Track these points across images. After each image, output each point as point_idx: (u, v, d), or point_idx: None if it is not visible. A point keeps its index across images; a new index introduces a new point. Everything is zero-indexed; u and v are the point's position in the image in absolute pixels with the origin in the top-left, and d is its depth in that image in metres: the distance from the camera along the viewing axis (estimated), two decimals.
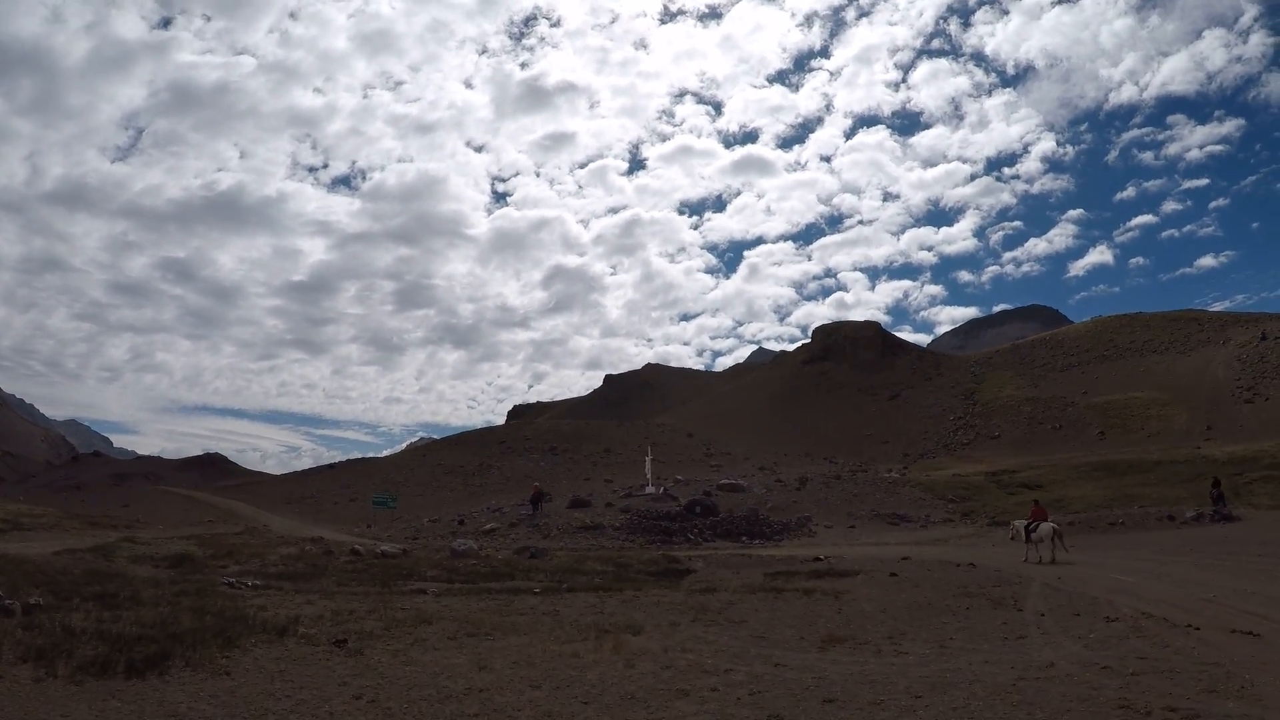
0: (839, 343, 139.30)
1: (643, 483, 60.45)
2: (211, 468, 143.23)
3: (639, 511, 48.90)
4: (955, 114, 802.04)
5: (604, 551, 36.40)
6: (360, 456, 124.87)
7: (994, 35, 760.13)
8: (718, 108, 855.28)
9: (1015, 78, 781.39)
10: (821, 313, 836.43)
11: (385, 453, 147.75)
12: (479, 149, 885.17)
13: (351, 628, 13.76)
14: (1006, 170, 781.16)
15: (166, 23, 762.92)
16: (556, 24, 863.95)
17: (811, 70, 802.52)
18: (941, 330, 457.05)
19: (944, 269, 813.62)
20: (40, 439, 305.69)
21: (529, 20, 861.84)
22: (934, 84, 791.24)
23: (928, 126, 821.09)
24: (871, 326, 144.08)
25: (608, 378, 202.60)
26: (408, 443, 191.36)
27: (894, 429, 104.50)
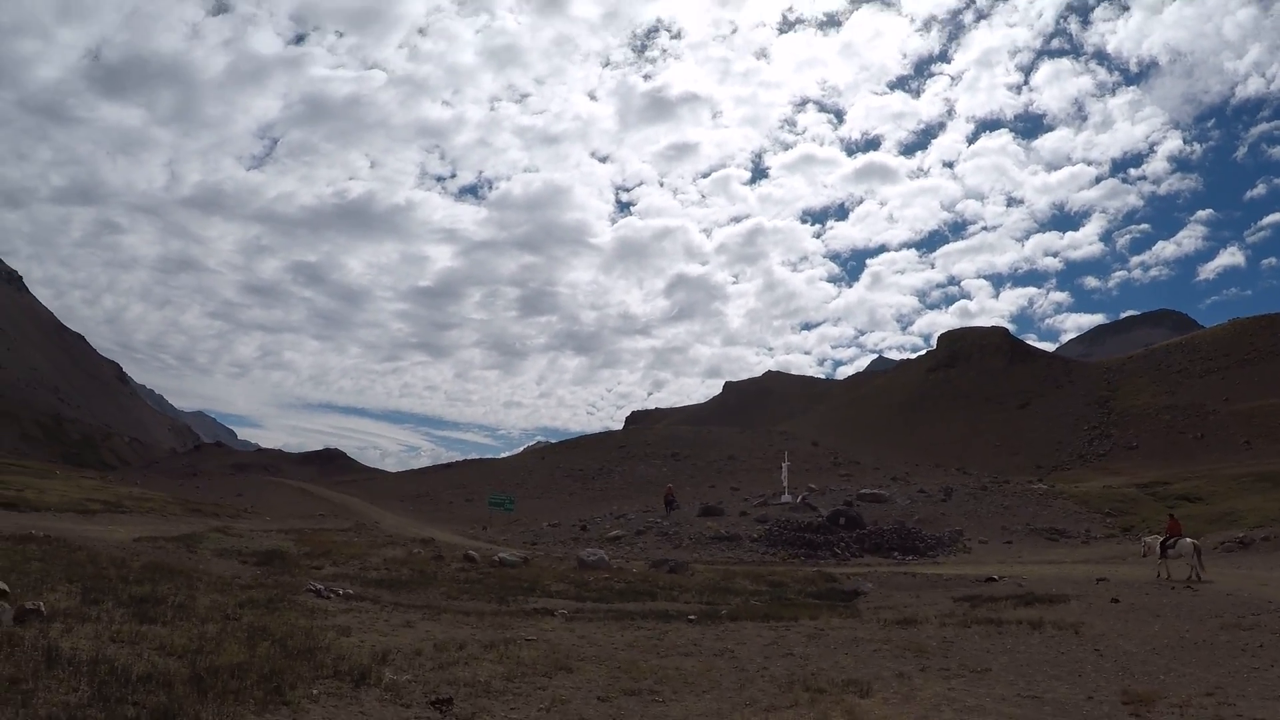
0: (965, 349, 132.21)
1: (777, 491, 55.59)
2: (330, 463, 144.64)
3: (778, 521, 44.40)
4: (1078, 115, 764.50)
5: (747, 566, 32.34)
6: (478, 458, 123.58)
7: (1115, 32, 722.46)
8: (839, 115, 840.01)
9: (1138, 75, 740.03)
10: (944, 321, 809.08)
11: (503, 455, 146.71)
12: (603, 159, 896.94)
13: (459, 675, 9.54)
14: (1133, 171, 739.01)
15: (300, 39, 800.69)
16: (678, 36, 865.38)
17: (932, 75, 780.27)
18: (1067, 338, 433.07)
19: (1070, 275, 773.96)
20: (167, 427, 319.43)
21: (651, 33, 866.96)
22: (1056, 85, 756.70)
23: (1051, 129, 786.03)
24: (999, 333, 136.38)
25: (727, 384, 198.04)
26: (526, 446, 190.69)
27: (1025, 439, 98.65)
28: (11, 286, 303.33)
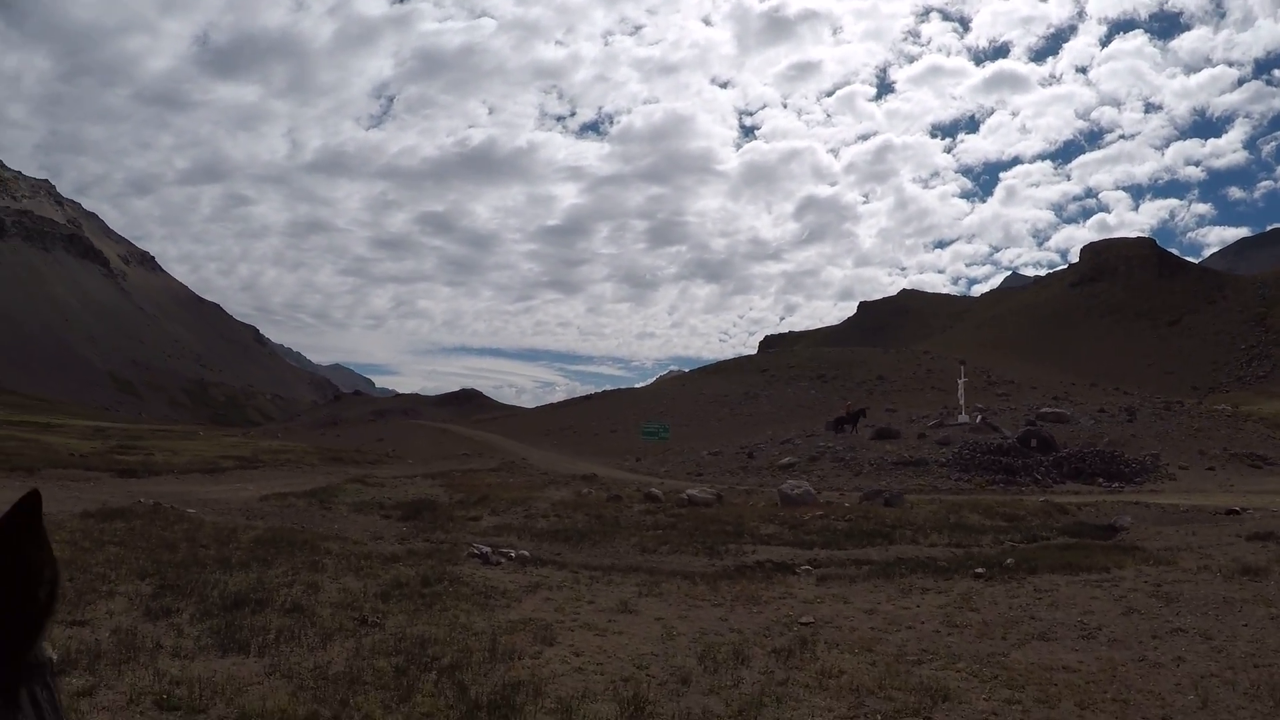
0: (1110, 262, 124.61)
1: (950, 411, 49.94)
2: (467, 403, 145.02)
3: (965, 444, 38.98)
4: (1217, 11, 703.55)
5: (945, 494, 27.54)
6: (614, 389, 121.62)
7: None
8: (965, 23, 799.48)
9: None
10: (1082, 236, 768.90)
11: (638, 385, 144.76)
12: (724, 85, 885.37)
13: None
14: (1277, 72, 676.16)
15: None
16: None
17: None
18: (1209, 252, 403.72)
19: (1212, 185, 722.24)
20: (307, 382, 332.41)
21: None
22: None
23: (1188, 28, 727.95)
24: (1146, 244, 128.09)
25: (862, 304, 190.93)
26: (658, 376, 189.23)
27: (1178, 357, 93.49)
28: (145, 268, 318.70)
